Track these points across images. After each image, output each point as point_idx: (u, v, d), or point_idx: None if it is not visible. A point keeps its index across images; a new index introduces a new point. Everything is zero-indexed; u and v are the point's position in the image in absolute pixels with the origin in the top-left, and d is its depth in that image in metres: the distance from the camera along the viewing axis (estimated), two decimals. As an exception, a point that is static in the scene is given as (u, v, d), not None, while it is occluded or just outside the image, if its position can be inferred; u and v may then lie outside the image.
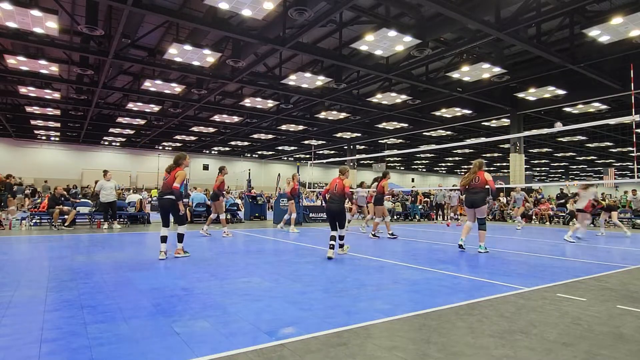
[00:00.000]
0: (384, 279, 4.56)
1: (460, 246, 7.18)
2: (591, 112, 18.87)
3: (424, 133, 25.57)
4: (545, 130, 13.13)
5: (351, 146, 30.22)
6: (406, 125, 23.28)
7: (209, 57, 11.87)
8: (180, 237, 5.94)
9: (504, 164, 37.89)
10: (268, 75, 15.86)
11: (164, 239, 5.81)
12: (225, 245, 7.75)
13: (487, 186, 6.94)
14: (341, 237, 6.45)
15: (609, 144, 27.96)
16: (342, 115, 21.53)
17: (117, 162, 33.72)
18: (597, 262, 6.18)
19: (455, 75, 13.72)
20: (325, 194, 6.52)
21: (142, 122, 24.26)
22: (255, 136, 28.52)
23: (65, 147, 32.49)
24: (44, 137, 30.82)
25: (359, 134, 27.15)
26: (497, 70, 13.09)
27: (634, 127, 8.33)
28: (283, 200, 14.32)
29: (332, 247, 6.15)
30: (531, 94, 16.15)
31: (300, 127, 25.10)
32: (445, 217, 18.52)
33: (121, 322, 2.86)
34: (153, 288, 3.93)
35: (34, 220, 11.09)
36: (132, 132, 27.81)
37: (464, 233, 7.27)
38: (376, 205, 9.53)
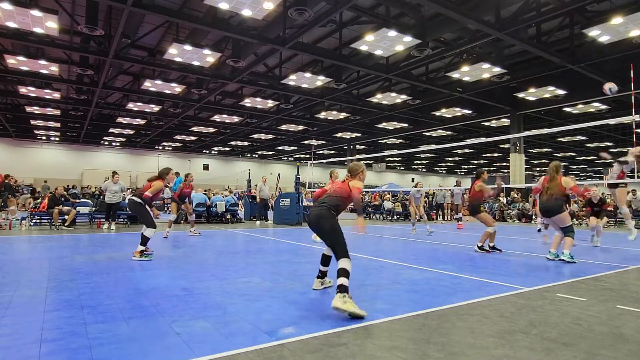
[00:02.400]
0: (384, 279, 4.55)
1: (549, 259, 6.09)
2: (591, 112, 18.87)
3: (424, 133, 25.58)
4: (545, 130, 13.13)
5: (351, 146, 30.22)
6: (406, 125, 23.28)
7: (209, 57, 11.88)
8: (143, 239, 5.70)
9: (504, 164, 37.89)
10: (268, 75, 15.87)
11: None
12: (225, 245, 7.75)
13: (567, 192, 5.99)
14: (344, 273, 3.27)
15: (609, 144, 27.96)
16: (342, 115, 21.54)
17: (117, 162, 33.73)
18: (597, 262, 6.18)
19: (455, 75, 13.73)
20: (317, 197, 4.03)
21: (142, 122, 24.26)
22: (255, 136, 28.53)
23: (65, 147, 32.49)
24: (44, 137, 30.83)
25: (359, 134, 27.15)
26: (497, 70, 13.09)
27: (634, 127, 8.32)
28: (283, 200, 14.32)
29: (320, 275, 4.02)
30: (531, 94, 16.15)
31: (300, 127, 25.10)
32: (446, 217, 18.54)
33: (121, 322, 2.86)
34: (153, 288, 3.93)
35: (34, 220, 11.10)
36: (132, 132, 27.81)
37: (554, 245, 6.15)
38: (474, 214, 7.49)
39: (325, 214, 3.57)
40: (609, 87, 7.30)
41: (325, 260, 3.99)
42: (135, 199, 5.99)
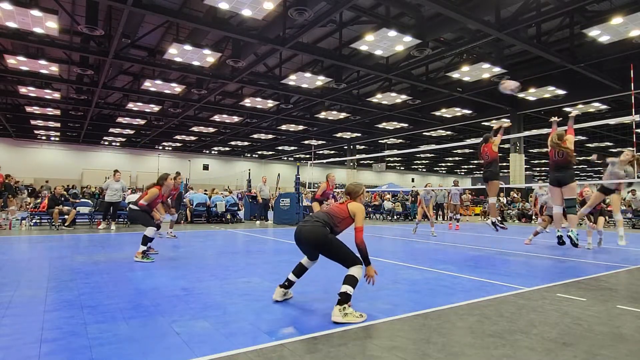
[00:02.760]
0: (384, 279, 4.55)
1: (560, 238, 6.23)
2: (591, 112, 18.87)
3: (424, 133, 25.58)
4: (545, 130, 13.11)
5: (351, 146, 30.23)
6: (406, 125, 23.28)
7: (209, 57, 11.87)
8: (144, 240, 5.61)
9: (504, 164, 37.90)
10: (268, 75, 15.87)
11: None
12: (225, 245, 7.75)
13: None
14: (350, 280, 3.12)
15: (609, 144, 27.96)
16: (342, 115, 21.54)
17: (117, 162, 33.75)
18: (597, 262, 6.18)
19: (455, 75, 13.73)
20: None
21: (142, 122, 24.27)
22: (255, 136, 28.53)
23: (65, 147, 32.49)
24: (44, 137, 30.83)
25: (359, 134, 27.15)
26: (497, 70, 13.09)
27: (634, 127, 8.32)
28: (283, 200, 14.33)
29: (287, 284, 3.55)
30: (531, 94, 16.16)
31: (300, 127, 25.11)
32: (445, 217, 18.50)
33: (121, 322, 2.86)
34: (153, 288, 3.93)
35: (34, 220, 11.09)
36: (132, 132, 27.82)
37: (557, 223, 6.38)
38: (491, 180, 7.05)
39: (321, 231, 3.24)
40: (509, 87, 6.67)
41: (300, 272, 3.57)
42: (133, 207, 5.95)
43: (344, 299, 3.01)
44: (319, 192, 8.73)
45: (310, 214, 3.46)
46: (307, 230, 3.27)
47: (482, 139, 7.35)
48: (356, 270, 3.17)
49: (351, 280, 3.11)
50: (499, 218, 7.48)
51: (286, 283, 3.53)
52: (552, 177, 6.26)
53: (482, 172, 7.45)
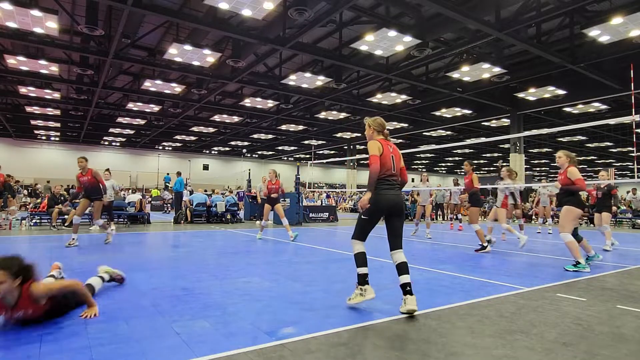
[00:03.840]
0: (384, 279, 4.55)
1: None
2: (591, 112, 18.88)
3: (424, 133, 25.59)
4: (545, 130, 13.16)
5: (351, 146, 30.22)
6: (406, 125, 23.29)
7: (209, 57, 11.88)
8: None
9: (504, 164, 37.92)
10: (268, 75, 15.87)
11: None
12: (225, 245, 7.76)
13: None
14: (408, 268, 3.30)
15: (609, 144, 27.97)
16: (342, 115, 21.54)
17: (117, 162, 33.76)
18: (597, 262, 6.18)
19: (455, 75, 13.73)
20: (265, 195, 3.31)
21: (142, 122, 24.27)
22: (255, 136, 28.53)
23: (65, 147, 32.49)
24: (44, 137, 30.84)
25: (359, 134, 27.14)
26: (497, 70, 13.10)
27: (634, 127, 8.34)
28: (283, 201, 14.32)
29: (367, 280, 3.31)
30: (531, 94, 16.16)
31: (300, 127, 25.11)
32: (445, 217, 18.50)
33: (121, 322, 2.86)
34: (153, 288, 3.93)
35: (34, 220, 11.09)
36: (132, 132, 27.83)
37: (576, 251, 5.37)
38: (473, 205, 7.45)
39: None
40: None
41: (366, 260, 3.46)
42: None
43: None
44: (264, 192, 9.02)
45: (388, 179, 3.34)
46: (397, 196, 3.36)
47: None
48: (402, 255, 3.37)
49: (408, 268, 3.32)
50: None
51: (367, 279, 3.32)
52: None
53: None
